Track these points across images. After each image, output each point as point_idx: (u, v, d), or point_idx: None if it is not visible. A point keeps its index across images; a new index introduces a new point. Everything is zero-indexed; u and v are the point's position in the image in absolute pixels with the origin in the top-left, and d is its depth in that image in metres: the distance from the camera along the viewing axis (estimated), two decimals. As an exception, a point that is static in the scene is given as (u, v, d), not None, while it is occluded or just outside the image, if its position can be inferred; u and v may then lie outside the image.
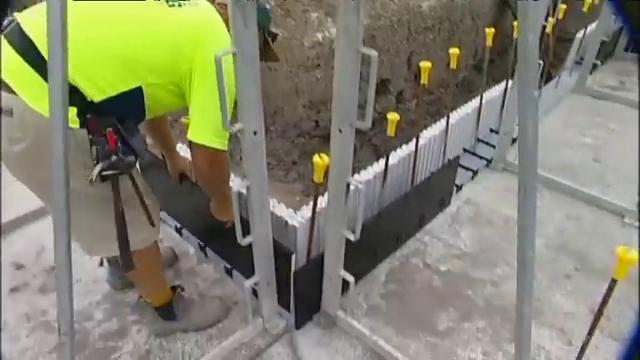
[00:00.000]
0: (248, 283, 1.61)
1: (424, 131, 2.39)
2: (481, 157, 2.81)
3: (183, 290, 1.79)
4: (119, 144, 1.26)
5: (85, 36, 1.19)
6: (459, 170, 2.50)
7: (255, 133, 1.30)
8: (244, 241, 1.50)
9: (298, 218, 1.83)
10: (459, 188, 2.59)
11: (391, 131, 1.97)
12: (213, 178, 1.48)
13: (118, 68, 1.24)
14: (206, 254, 2.13)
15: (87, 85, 1.21)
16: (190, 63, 1.29)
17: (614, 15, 3.41)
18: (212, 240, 2.09)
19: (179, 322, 1.75)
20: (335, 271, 1.68)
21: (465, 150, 2.87)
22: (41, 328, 1.80)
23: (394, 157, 2.18)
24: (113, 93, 1.25)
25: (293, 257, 1.66)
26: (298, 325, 1.81)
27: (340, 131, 1.35)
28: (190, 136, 1.32)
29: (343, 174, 1.43)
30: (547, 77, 3.41)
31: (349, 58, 1.18)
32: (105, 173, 1.24)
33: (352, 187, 1.43)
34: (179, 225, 2.24)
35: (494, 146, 2.87)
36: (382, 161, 2.13)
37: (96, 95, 1.23)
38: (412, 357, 1.69)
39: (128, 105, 1.30)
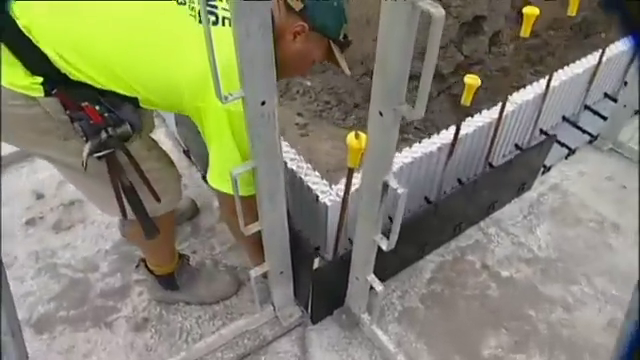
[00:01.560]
0: (254, 272, 1.34)
1: (514, 94, 1.86)
2: (584, 131, 2.21)
3: (189, 260, 1.57)
4: (105, 115, 1.03)
5: (105, 30, 1.01)
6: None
7: (264, 103, 0.94)
8: (247, 229, 1.20)
9: (331, 195, 1.49)
10: (546, 169, 2.07)
11: (467, 99, 1.49)
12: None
13: (114, 72, 1.02)
14: (231, 211, 1.88)
15: (70, 64, 0.98)
16: (195, 102, 1.05)
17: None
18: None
19: (182, 293, 1.56)
20: (362, 273, 1.36)
21: (564, 119, 2.28)
22: (47, 271, 1.69)
23: (468, 125, 1.71)
24: (101, 86, 1.02)
25: (316, 260, 1.35)
26: (315, 319, 1.55)
27: (380, 114, 0.94)
28: (210, 180, 1.16)
29: (380, 170, 1.04)
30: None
31: (400, 14, 0.75)
32: (97, 154, 1.04)
33: (391, 187, 1.05)
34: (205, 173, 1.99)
35: (605, 118, 2.25)
36: (447, 132, 1.68)
37: (77, 76, 1.00)
38: (442, 387, 1.39)
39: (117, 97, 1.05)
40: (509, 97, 1.76)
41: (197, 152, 2.00)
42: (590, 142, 2.24)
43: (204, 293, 1.56)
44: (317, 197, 1.50)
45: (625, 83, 2.39)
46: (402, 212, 1.06)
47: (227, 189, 1.13)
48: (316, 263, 1.35)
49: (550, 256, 1.76)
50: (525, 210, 1.93)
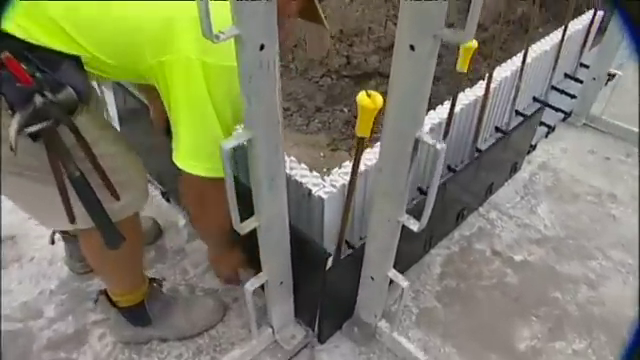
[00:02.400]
0: (250, 285, 1.08)
1: (496, 69, 1.77)
2: (557, 109, 2.17)
3: (161, 285, 1.28)
4: (37, 75, 0.75)
5: None
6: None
7: (262, 47, 0.72)
8: (243, 226, 0.95)
9: (326, 187, 1.28)
10: (532, 148, 1.98)
11: (463, 64, 1.36)
12: (208, 219, 1.09)
13: (53, 21, 0.79)
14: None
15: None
16: (159, 56, 0.83)
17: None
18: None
19: (156, 328, 1.25)
20: (381, 270, 1.14)
21: (535, 100, 2.23)
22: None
23: (460, 102, 1.58)
24: (34, 41, 0.78)
25: (329, 260, 1.12)
26: (323, 337, 1.30)
27: (412, 48, 0.75)
28: (176, 159, 0.93)
29: (409, 125, 0.85)
30: None
31: None
32: (31, 129, 0.75)
33: (426, 143, 0.85)
34: (165, 189, 1.70)
35: (574, 96, 2.22)
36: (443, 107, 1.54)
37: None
38: (485, 393, 1.18)
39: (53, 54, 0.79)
40: (492, 73, 1.65)
41: (154, 166, 1.71)
42: (564, 120, 2.20)
43: (183, 324, 1.27)
44: (309, 191, 1.29)
45: (581, 64, 2.40)
46: (440, 175, 0.86)
47: (202, 170, 0.92)
48: (329, 263, 1.11)
49: (559, 234, 1.64)
50: (521, 191, 1.81)
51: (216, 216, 1.07)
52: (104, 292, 1.18)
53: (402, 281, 1.11)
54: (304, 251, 1.14)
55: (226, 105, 0.88)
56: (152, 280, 1.22)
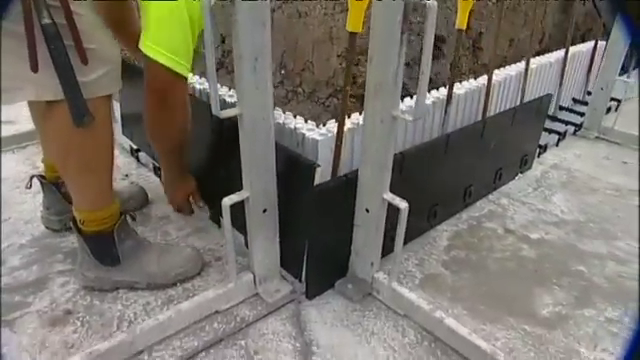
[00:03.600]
0: (229, 200, 0.97)
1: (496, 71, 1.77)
2: (567, 122, 2.12)
3: (134, 219, 1.16)
4: None
5: None
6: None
7: None
8: (224, 113, 0.88)
9: (322, 130, 1.21)
10: (543, 149, 1.90)
11: (462, 22, 1.35)
12: (165, 121, 1.08)
13: None
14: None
15: None
16: None
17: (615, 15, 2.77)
18: (198, 182, 1.46)
19: (124, 271, 1.11)
20: (375, 195, 1.02)
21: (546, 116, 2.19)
22: None
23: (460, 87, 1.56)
24: None
25: (318, 170, 1.01)
26: (310, 293, 1.14)
27: (383, 121, 0.74)
28: (141, 44, 0.97)
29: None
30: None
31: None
32: None
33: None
34: (158, 164, 1.64)
35: (582, 114, 2.19)
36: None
37: None
38: (506, 352, 0.97)
39: None
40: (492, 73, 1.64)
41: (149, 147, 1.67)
42: (575, 133, 2.14)
43: (155, 270, 1.12)
44: (303, 136, 1.22)
45: (589, 93, 2.40)
46: (432, 34, 0.80)
47: (165, 59, 0.96)
48: (318, 174, 1.00)
49: (578, 219, 1.49)
50: (533, 184, 1.70)
51: (173, 121, 1.08)
52: (73, 218, 1.07)
53: (401, 202, 0.98)
54: (291, 174, 1.04)
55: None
56: (123, 213, 1.11)
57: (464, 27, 1.35)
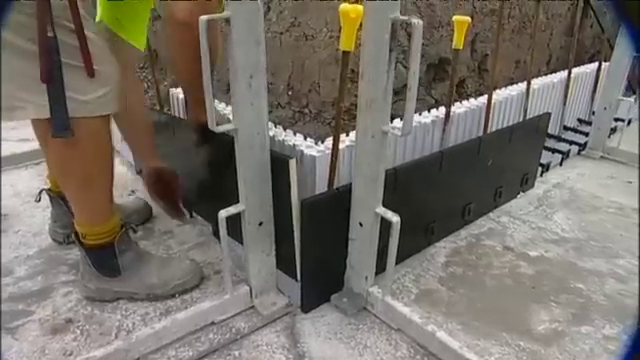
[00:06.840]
0: (225, 212, 1.00)
1: (498, 90, 1.80)
2: (572, 142, 2.12)
3: (135, 232, 1.20)
4: None
5: None
6: (543, 154, 1.83)
7: None
8: (219, 128, 0.92)
9: (320, 147, 1.25)
10: (545, 168, 1.90)
11: (459, 41, 1.38)
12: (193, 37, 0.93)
13: None
14: (191, 213, 1.55)
15: None
16: None
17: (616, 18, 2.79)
18: (200, 197, 1.50)
19: (124, 282, 1.14)
20: (368, 208, 1.04)
21: (549, 136, 2.20)
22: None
23: (460, 107, 1.59)
24: None
25: (292, 162, 1.04)
26: (306, 307, 1.15)
27: (374, 136, 0.79)
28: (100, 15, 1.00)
29: (385, 6, 0.85)
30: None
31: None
32: None
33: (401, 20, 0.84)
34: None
35: (586, 133, 2.19)
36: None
37: None
38: (495, 366, 0.97)
39: None
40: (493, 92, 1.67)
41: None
42: (579, 152, 2.14)
43: (155, 281, 1.15)
44: (302, 152, 1.25)
45: (594, 113, 2.41)
46: (419, 52, 0.83)
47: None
48: (292, 167, 1.00)
49: (578, 237, 1.49)
50: (534, 202, 1.70)
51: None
52: (75, 231, 1.11)
53: (393, 216, 1.00)
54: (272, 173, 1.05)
55: None
56: (125, 226, 1.14)
57: (461, 47, 1.39)
